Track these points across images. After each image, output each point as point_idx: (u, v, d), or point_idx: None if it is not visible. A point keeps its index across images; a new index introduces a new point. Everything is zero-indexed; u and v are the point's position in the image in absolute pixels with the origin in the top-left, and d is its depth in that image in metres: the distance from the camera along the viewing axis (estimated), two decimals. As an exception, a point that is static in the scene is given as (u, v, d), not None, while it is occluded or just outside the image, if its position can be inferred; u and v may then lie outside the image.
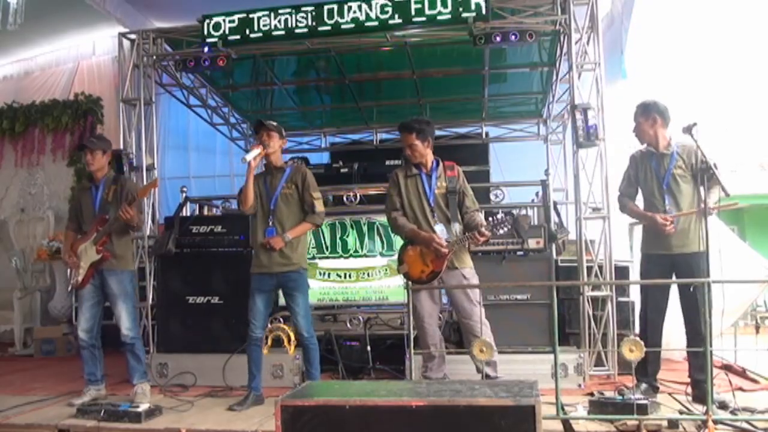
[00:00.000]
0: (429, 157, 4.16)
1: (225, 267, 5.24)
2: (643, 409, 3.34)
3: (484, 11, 4.98)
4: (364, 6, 5.14)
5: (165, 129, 9.11)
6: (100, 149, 4.44)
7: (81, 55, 9.18)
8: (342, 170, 6.75)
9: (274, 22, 5.31)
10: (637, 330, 4.54)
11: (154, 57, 5.96)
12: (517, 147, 8.44)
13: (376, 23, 5.17)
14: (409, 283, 4.09)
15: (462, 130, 8.42)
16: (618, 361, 4.89)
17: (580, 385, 4.57)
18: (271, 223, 4.21)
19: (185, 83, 6.81)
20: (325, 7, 5.20)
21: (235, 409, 4.08)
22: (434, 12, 5.07)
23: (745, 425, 3.29)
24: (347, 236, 5.61)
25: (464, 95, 7.61)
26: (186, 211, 5.79)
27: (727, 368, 4.70)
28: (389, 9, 5.12)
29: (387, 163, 6.67)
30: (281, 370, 4.86)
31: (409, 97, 7.71)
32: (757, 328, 6.38)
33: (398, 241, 5.47)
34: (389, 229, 5.52)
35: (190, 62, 5.64)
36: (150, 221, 5.86)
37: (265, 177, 4.30)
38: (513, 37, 5.10)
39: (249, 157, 4.12)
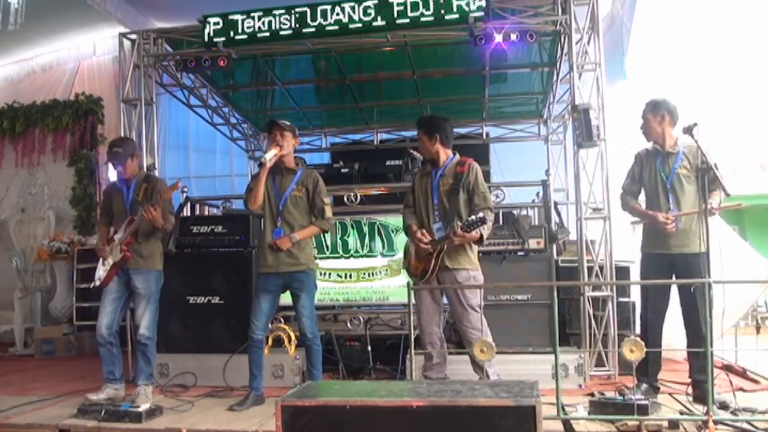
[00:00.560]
0: (441, 154, 4.13)
1: (225, 267, 5.24)
2: (643, 410, 3.34)
3: (472, 12, 5.00)
4: (347, 8, 5.16)
5: (165, 129, 9.11)
6: (129, 156, 4.38)
7: (81, 55, 9.18)
8: (342, 170, 6.74)
9: (258, 24, 5.32)
10: (637, 330, 4.54)
11: (155, 57, 5.97)
12: (517, 147, 8.44)
13: (359, 25, 5.18)
14: (410, 282, 4.10)
15: (462, 131, 8.41)
16: (618, 362, 4.89)
17: (580, 386, 4.57)
18: (279, 224, 4.19)
19: (186, 83, 6.81)
20: (308, 10, 5.22)
21: (236, 409, 4.08)
22: (416, 14, 5.08)
23: (745, 426, 3.29)
24: (348, 236, 5.61)
25: (465, 95, 7.61)
26: (186, 212, 5.79)
27: (728, 369, 4.69)
28: (371, 11, 5.15)
29: (387, 163, 6.68)
30: (281, 370, 4.87)
31: (410, 98, 7.71)
32: (758, 329, 6.38)
33: (398, 242, 5.51)
34: (389, 228, 5.55)
35: (191, 62, 5.64)
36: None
37: (274, 177, 4.26)
38: (514, 37, 5.09)
39: (268, 157, 4.08)
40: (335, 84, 7.49)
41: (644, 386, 4.01)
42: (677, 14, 6.23)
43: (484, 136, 8.34)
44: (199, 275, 5.24)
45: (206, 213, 6.40)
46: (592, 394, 4.15)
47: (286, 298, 4.43)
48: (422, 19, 5.08)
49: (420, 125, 4.21)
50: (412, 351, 3.86)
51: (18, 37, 7.84)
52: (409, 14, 5.08)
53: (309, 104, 8.12)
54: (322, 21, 5.20)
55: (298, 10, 5.25)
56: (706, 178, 3.74)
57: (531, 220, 5.43)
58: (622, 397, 3.55)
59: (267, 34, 5.31)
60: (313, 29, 5.24)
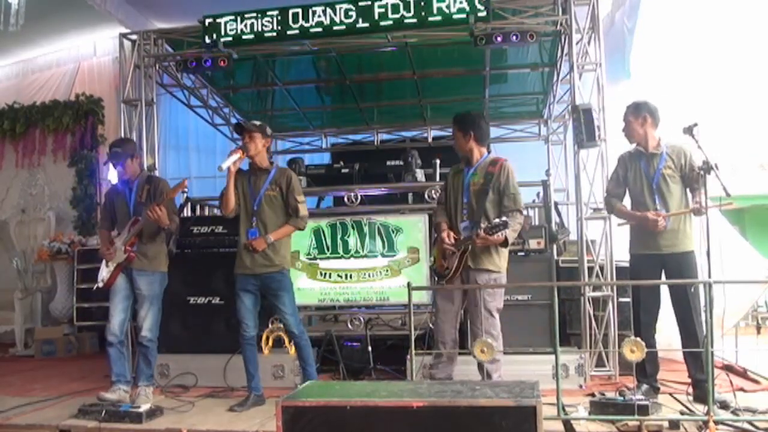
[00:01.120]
0: (474, 152, 4.07)
1: (226, 267, 5.17)
2: (644, 410, 3.34)
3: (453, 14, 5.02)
4: (329, 11, 5.18)
5: (166, 129, 9.11)
6: (128, 156, 4.36)
7: (82, 55, 9.17)
8: (343, 171, 6.74)
9: (240, 27, 5.35)
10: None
11: (155, 58, 5.97)
12: (518, 147, 8.43)
13: (342, 27, 5.20)
14: (409, 283, 4.08)
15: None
16: (619, 362, 4.89)
17: (581, 386, 4.57)
18: (254, 224, 4.20)
19: (186, 84, 6.81)
20: (290, 12, 5.25)
21: (236, 409, 4.08)
22: (397, 16, 5.10)
23: (746, 426, 3.29)
24: (348, 237, 5.61)
25: (465, 96, 7.60)
26: (187, 212, 5.79)
27: (728, 368, 4.69)
28: (353, 13, 5.17)
29: (388, 163, 6.67)
30: (282, 370, 4.86)
31: (410, 98, 7.72)
32: (758, 329, 6.39)
33: (399, 242, 5.51)
34: (389, 229, 5.55)
35: (191, 63, 5.63)
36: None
37: (249, 177, 4.27)
38: (514, 37, 5.09)
39: (225, 165, 4.08)
40: (336, 84, 7.49)
41: (644, 386, 4.00)
42: (681, 14, 6.22)
43: (485, 136, 8.33)
44: (200, 276, 5.24)
45: (207, 213, 6.40)
46: (593, 395, 4.15)
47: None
48: (405, 21, 5.10)
49: (455, 121, 4.14)
50: (413, 351, 3.85)
51: (18, 38, 7.84)
52: (390, 16, 5.10)
53: (309, 104, 8.12)
54: (303, 23, 5.24)
55: (292, 11, 5.27)
56: (693, 178, 3.79)
57: (531, 221, 5.43)
58: (622, 398, 3.54)
59: (251, 36, 5.35)
60: (296, 31, 5.28)
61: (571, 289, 5.12)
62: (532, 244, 4.91)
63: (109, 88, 8.82)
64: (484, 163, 4.05)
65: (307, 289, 5.60)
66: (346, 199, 5.82)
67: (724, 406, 3.62)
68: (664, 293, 4.12)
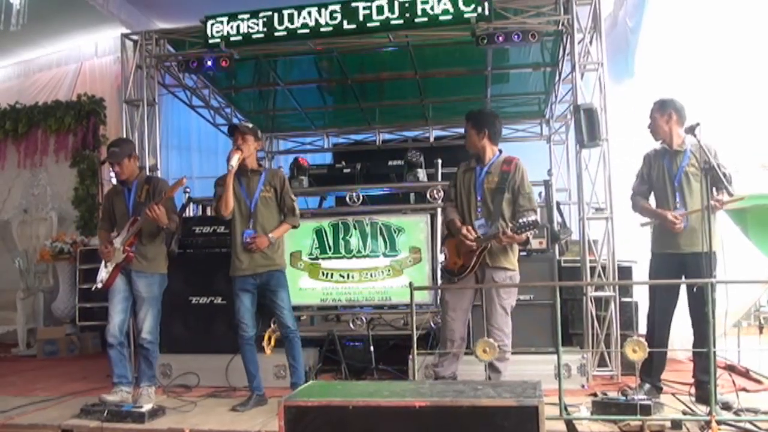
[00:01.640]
0: (487, 150, 4.06)
1: (228, 267, 5.20)
2: (646, 410, 3.34)
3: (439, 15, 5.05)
4: (314, 12, 5.21)
5: (167, 129, 9.08)
6: (126, 156, 4.34)
7: (84, 56, 9.18)
8: (345, 171, 6.73)
9: (226, 29, 5.38)
10: (640, 330, 4.53)
11: (157, 58, 5.97)
12: (519, 147, 8.41)
13: (330, 29, 5.23)
14: (411, 283, 4.07)
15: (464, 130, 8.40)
16: (621, 362, 4.88)
17: (583, 386, 4.57)
18: (251, 226, 4.23)
19: (188, 84, 6.82)
20: (275, 14, 5.30)
21: (239, 409, 4.09)
22: (383, 17, 5.12)
23: (748, 426, 3.29)
24: (350, 237, 5.61)
25: (467, 95, 7.59)
26: (189, 212, 5.79)
27: (731, 369, 4.68)
28: (338, 15, 5.19)
29: (390, 163, 6.65)
30: (284, 370, 4.85)
31: (412, 98, 7.71)
32: (761, 329, 6.37)
33: (400, 242, 5.51)
34: (391, 229, 5.55)
35: (193, 63, 5.65)
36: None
37: (240, 180, 4.29)
38: (516, 37, 5.10)
39: (233, 163, 4.13)
40: (337, 84, 7.49)
41: (647, 386, 4.01)
42: (686, 13, 6.21)
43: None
44: (202, 276, 5.24)
45: (209, 213, 6.39)
46: (595, 395, 4.14)
47: (295, 299, 4.43)
48: (392, 22, 5.13)
49: (468, 119, 4.14)
50: (415, 351, 3.85)
51: (20, 38, 7.86)
52: (375, 17, 5.14)
53: (311, 105, 8.11)
54: (288, 24, 5.28)
55: (287, 11, 5.32)
56: (709, 177, 3.75)
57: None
58: (624, 398, 3.54)
59: (239, 38, 5.40)
60: (283, 32, 5.31)
61: (574, 289, 5.11)
62: (534, 244, 4.90)
63: (111, 89, 8.82)
64: (497, 162, 4.04)
65: (309, 289, 5.60)
66: (348, 199, 5.82)
67: (726, 406, 3.62)
68: (682, 294, 4.10)
